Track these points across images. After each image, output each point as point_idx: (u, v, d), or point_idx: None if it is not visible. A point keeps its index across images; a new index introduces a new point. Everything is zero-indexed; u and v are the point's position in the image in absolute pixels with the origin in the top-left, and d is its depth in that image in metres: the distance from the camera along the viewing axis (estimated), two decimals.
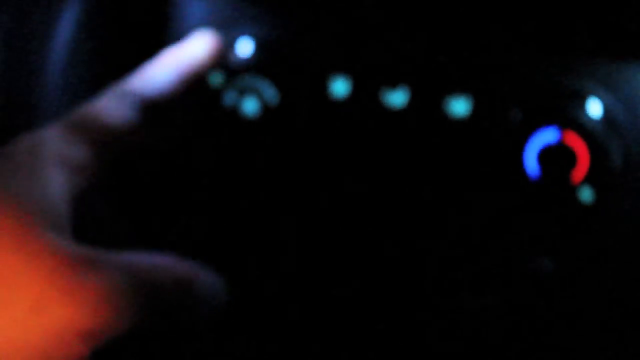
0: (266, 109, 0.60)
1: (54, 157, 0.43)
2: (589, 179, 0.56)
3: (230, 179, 0.65)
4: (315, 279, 0.65)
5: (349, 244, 0.64)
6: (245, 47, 0.61)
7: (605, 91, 0.57)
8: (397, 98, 0.60)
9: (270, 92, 0.60)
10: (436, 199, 0.62)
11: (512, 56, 0.58)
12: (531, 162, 0.57)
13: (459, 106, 0.59)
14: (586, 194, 0.57)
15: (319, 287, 0.66)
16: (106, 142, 0.47)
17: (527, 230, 0.60)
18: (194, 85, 0.54)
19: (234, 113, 0.60)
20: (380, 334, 0.65)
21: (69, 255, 0.40)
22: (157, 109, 0.51)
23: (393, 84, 0.60)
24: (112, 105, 0.49)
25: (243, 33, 0.61)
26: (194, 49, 0.56)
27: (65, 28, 0.61)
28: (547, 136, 0.56)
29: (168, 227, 0.66)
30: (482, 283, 0.62)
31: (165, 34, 0.64)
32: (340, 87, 0.61)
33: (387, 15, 0.60)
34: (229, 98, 0.60)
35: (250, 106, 0.60)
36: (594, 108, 0.57)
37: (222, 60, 0.60)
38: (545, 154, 0.56)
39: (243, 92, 0.60)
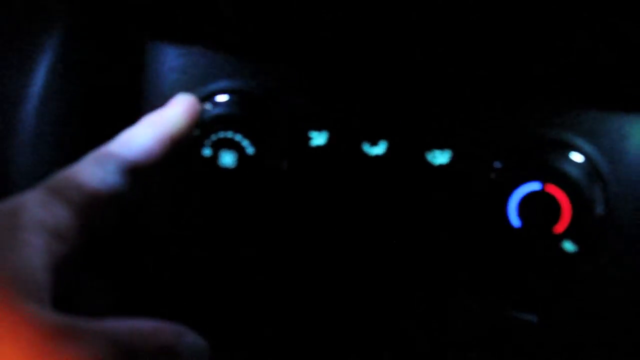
0: (242, 160, 0.59)
1: (34, 222, 0.42)
2: (571, 229, 0.56)
3: (212, 229, 0.64)
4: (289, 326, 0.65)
5: (327, 293, 0.64)
6: (221, 101, 0.61)
7: (586, 142, 0.57)
8: (377, 150, 0.60)
9: (246, 144, 0.59)
10: (417, 246, 0.61)
11: (492, 110, 0.58)
12: (513, 211, 0.57)
13: (440, 158, 0.59)
14: (569, 244, 0.56)
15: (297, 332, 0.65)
16: (87, 207, 0.46)
17: (510, 281, 0.60)
18: (174, 150, 0.54)
19: (212, 164, 0.60)
20: None
21: (48, 326, 0.38)
22: (138, 173, 0.50)
23: (373, 139, 0.60)
24: (93, 170, 0.47)
25: (219, 87, 0.61)
26: (174, 113, 0.55)
27: (37, 87, 0.60)
28: (529, 186, 0.56)
29: (152, 281, 0.65)
30: (466, 336, 0.61)
31: (142, 87, 0.63)
32: (318, 140, 0.60)
33: (365, 70, 0.60)
34: (206, 150, 0.60)
35: (227, 157, 0.60)
36: (576, 159, 0.57)
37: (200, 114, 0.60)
38: (527, 204, 0.56)
39: (220, 144, 0.59)
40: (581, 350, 0.60)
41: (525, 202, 0.56)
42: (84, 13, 0.62)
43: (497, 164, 0.58)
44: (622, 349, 0.60)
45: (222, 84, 0.61)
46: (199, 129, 0.59)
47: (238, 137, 0.59)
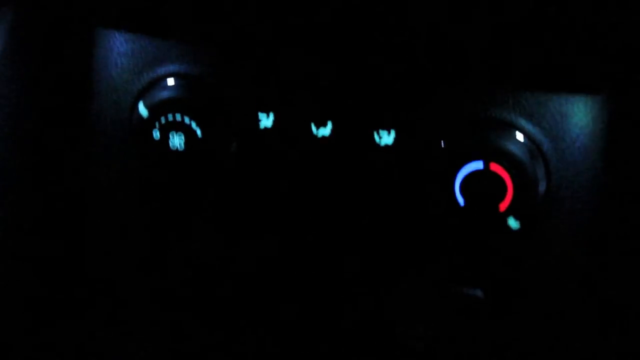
0: (191, 142, 0.60)
1: None
2: (514, 206, 0.57)
3: (164, 211, 0.65)
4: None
5: (278, 270, 0.65)
6: (169, 85, 0.61)
7: (529, 122, 0.58)
8: (323, 131, 0.61)
9: (195, 127, 0.60)
10: (366, 225, 0.62)
11: (436, 90, 0.59)
12: (458, 190, 0.58)
13: (385, 138, 0.60)
14: (512, 221, 0.58)
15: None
16: None
17: (456, 257, 0.61)
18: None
19: (162, 146, 0.60)
20: None
21: None
22: None
23: (319, 120, 0.61)
24: None
25: (167, 71, 0.62)
26: None
27: None
28: (473, 165, 0.57)
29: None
30: (413, 311, 0.62)
31: (91, 73, 0.63)
32: (266, 122, 0.61)
33: (311, 52, 0.60)
34: (156, 133, 0.60)
35: (176, 140, 0.60)
36: (518, 138, 0.58)
37: (149, 97, 0.60)
38: (471, 182, 0.57)
39: (169, 127, 0.60)
40: (526, 324, 0.61)
41: (469, 181, 0.57)
42: (31, 1, 0.62)
43: (442, 144, 0.59)
44: (566, 321, 0.61)
45: (170, 68, 0.61)
46: (148, 112, 0.60)
47: (187, 120, 0.60)
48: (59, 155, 0.65)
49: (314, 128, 0.61)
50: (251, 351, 0.67)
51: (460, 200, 0.58)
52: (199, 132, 0.60)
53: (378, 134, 0.60)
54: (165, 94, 0.60)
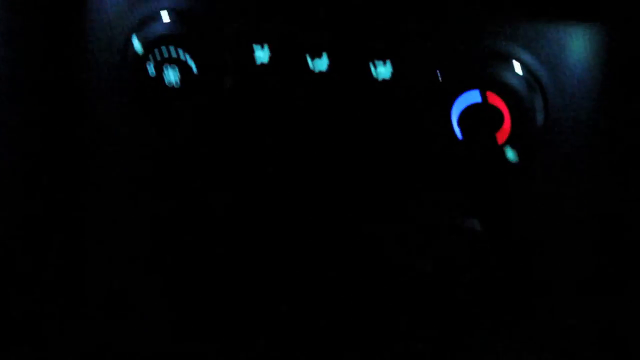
0: (187, 78, 0.60)
1: None
2: (512, 138, 0.57)
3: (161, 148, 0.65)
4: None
5: (274, 207, 0.65)
6: (164, 19, 0.61)
7: (526, 52, 0.58)
8: (320, 64, 0.60)
9: (190, 62, 0.60)
10: (362, 159, 0.62)
11: (431, 21, 0.59)
12: (455, 122, 0.57)
13: (382, 70, 0.59)
14: (510, 153, 0.57)
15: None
16: None
17: (455, 190, 0.61)
18: None
19: (158, 82, 0.60)
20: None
21: None
22: None
23: (314, 52, 0.60)
24: None
25: (162, 5, 0.61)
26: None
27: None
28: (470, 97, 0.57)
29: None
30: (412, 244, 0.63)
31: (85, 7, 0.63)
32: (261, 55, 0.61)
33: None
34: (150, 68, 0.60)
35: (171, 75, 0.60)
36: (515, 69, 0.57)
37: (143, 32, 0.59)
38: (468, 114, 0.57)
39: (164, 62, 0.59)
40: (524, 256, 0.62)
41: (467, 114, 0.57)
42: None
43: (438, 76, 0.58)
44: (564, 252, 0.61)
45: (164, 2, 0.61)
46: (142, 48, 0.59)
47: (182, 56, 0.59)
48: (53, 94, 0.65)
49: (309, 61, 0.60)
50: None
51: (458, 133, 0.57)
52: (194, 67, 0.59)
53: (374, 64, 0.59)
54: (159, 29, 0.60)
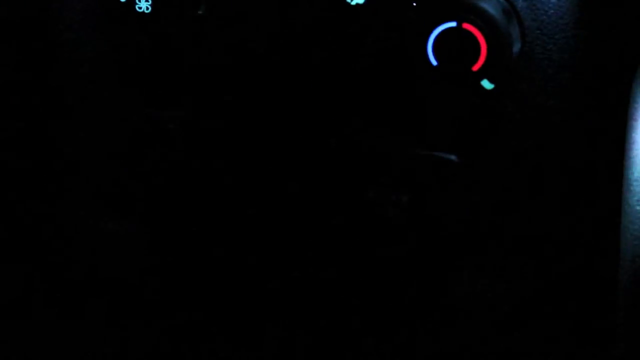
0: (158, 3, 0.59)
1: None
2: (487, 67, 0.56)
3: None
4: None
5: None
6: None
7: None
8: None
9: None
10: (334, 87, 0.61)
11: None
12: (431, 50, 0.57)
13: None
14: (486, 81, 0.57)
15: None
16: None
17: (430, 120, 0.61)
18: None
19: (129, 8, 0.59)
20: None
21: None
22: None
23: None
24: None
25: None
26: None
27: None
28: (446, 24, 0.56)
29: None
30: (389, 178, 0.62)
31: None
32: None
33: None
34: None
35: (142, 1, 0.59)
36: None
37: None
38: (444, 42, 0.56)
39: None
40: (501, 186, 0.61)
41: (442, 41, 0.56)
42: None
43: (414, 2, 0.58)
44: (541, 182, 0.61)
45: None
46: None
47: None
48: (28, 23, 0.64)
49: None
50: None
51: (433, 60, 0.57)
52: None
53: None
54: None
